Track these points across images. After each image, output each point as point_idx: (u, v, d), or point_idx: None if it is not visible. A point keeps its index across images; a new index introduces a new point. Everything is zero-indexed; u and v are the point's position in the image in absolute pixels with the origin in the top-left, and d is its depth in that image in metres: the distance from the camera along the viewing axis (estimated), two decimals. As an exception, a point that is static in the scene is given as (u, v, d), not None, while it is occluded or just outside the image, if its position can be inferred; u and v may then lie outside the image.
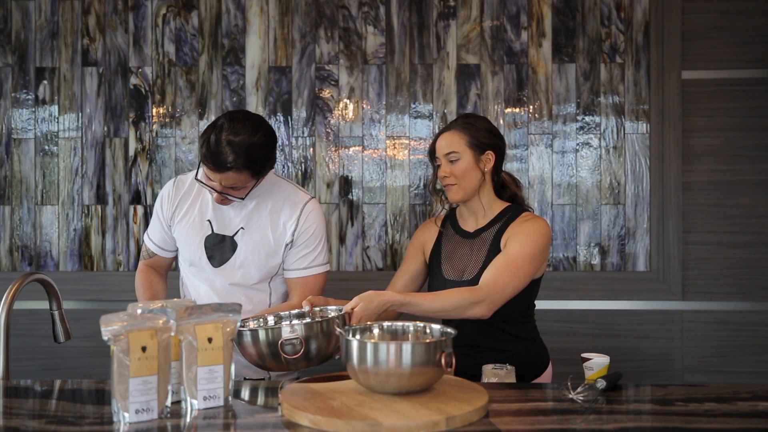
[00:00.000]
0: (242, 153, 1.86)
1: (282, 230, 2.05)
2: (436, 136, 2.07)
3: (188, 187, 2.12)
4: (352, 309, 1.69)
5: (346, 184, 2.92)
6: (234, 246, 2.05)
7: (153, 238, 2.18)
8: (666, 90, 2.84)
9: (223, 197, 1.96)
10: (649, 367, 2.86)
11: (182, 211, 2.10)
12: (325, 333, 1.62)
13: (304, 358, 1.61)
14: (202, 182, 1.96)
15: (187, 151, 2.93)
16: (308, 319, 1.77)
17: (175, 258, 2.21)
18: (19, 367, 2.84)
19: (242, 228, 2.05)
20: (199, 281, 2.11)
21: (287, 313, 1.85)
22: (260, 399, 1.55)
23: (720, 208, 2.86)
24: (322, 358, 1.66)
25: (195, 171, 2.14)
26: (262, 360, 1.64)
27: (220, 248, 2.05)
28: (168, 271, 2.25)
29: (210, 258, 2.06)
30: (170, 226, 2.12)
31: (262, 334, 1.61)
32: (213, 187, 1.94)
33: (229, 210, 2.06)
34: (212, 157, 1.86)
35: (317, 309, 1.81)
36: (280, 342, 1.58)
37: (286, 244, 2.05)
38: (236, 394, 1.56)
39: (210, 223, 2.07)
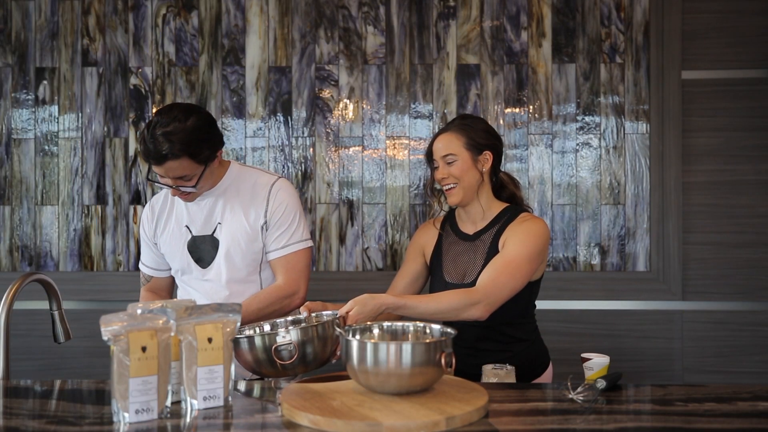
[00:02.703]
0: (176, 140, 1.90)
1: (255, 215, 2.08)
2: (433, 138, 2.07)
3: (162, 204, 2.18)
4: (347, 313, 1.68)
5: (346, 184, 2.92)
6: (216, 243, 2.09)
7: (146, 263, 2.24)
8: (666, 90, 2.84)
9: (179, 191, 2.00)
10: (649, 367, 2.86)
11: (161, 226, 2.16)
12: (320, 337, 1.61)
13: (299, 363, 1.60)
14: (154, 181, 2.02)
15: (187, 151, 2.93)
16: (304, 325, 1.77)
17: (170, 279, 2.26)
18: (19, 367, 2.84)
19: (219, 223, 2.09)
20: (193, 289, 2.14)
21: (282, 320, 1.85)
22: (260, 399, 1.55)
23: (720, 208, 2.86)
24: (318, 363, 1.65)
25: (166, 189, 2.17)
26: (259, 366, 1.63)
27: (204, 249, 2.09)
28: (170, 293, 2.28)
29: (198, 261, 2.10)
30: (156, 243, 2.18)
31: (257, 341, 1.60)
32: (165, 184, 1.99)
33: (202, 211, 2.10)
34: (148, 152, 1.92)
35: (314, 315, 1.81)
36: (274, 347, 1.58)
37: (262, 226, 2.08)
38: (236, 394, 1.56)
39: (188, 228, 2.12)
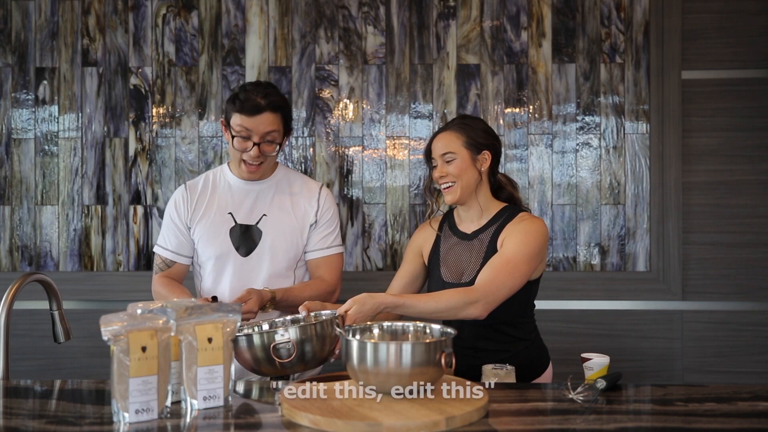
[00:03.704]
0: (273, 95, 2.09)
1: (304, 212, 2.18)
2: (432, 137, 2.08)
3: (202, 189, 2.22)
4: (346, 312, 1.69)
5: (346, 184, 2.92)
6: (259, 233, 2.14)
7: (168, 246, 2.23)
8: (666, 90, 2.84)
9: (260, 153, 2.07)
10: (649, 367, 2.86)
11: (201, 211, 2.19)
12: (319, 336, 1.62)
13: (298, 361, 1.60)
14: (238, 136, 2.07)
15: (187, 151, 2.93)
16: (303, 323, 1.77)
17: (188, 267, 2.26)
18: (19, 367, 2.84)
19: (265, 215, 2.16)
20: (224, 277, 2.14)
21: (281, 319, 1.86)
22: (260, 399, 1.55)
23: (720, 208, 2.86)
24: (317, 362, 1.65)
25: (203, 175, 2.26)
26: (258, 365, 1.64)
27: (245, 238, 2.14)
28: (182, 282, 2.27)
29: (237, 248, 2.14)
30: (189, 227, 2.19)
31: (256, 339, 1.61)
32: (249, 139, 2.06)
33: (249, 200, 2.17)
34: (246, 103, 2.05)
35: (312, 314, 1.82)
36: (272, 345, 1.58)
37: (311, 225, 2.18)
38: (236, 394, 1.56)
39: (232, 215, 2.16)
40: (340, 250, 2.24)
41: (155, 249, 2.26)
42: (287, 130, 2.15)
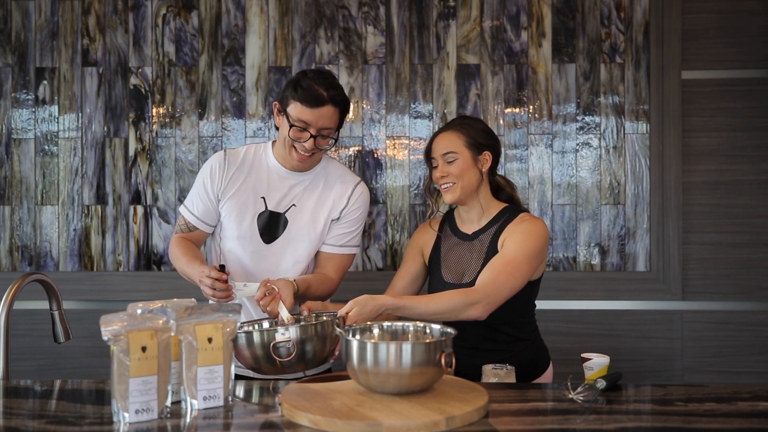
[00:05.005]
0: (335, 87, 2.02)
1: (332, 207, 2.13)
2: (433, 137, 2.07)
3: (241, 163, 2.14)
4: (347, 313, 1.69)
5: (346, 184, 2.91)
6: (285, 223, 2.11)
7: (194, 211, 2.15)
8: (666, 90, 2.84)
9: (315, 146, 2.02)
10: (649, 367, 2.86)
11: (235, 186, 2.12)
12: (319, 336, 1.62)
13: (298, 360, 1.61)
14: (295, 126, 2.01)
15: (187, 151, 2.93)
16: (303, 323, 1.78)
17: (209, 234, 2.21)
18: (19, 367, 2.84)
19: (294, 205, 2.12)
20: (243, 258, 2.12)
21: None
22: (260, 399, 1.55)
23: (720, 208, 2.86)
24: (317, 362, 1.65)
25: (246, 147, 2.19)
26: (257, 363, 1.64)
27: (271, 225, 2.11)
28: (201, 247, 2.22)
29: (261, 235, 2.11)
30: (219, 199, 2.13)
31: (256, 337, 1.61)
32: (306, 131, 2.00)
33: (283, 188, 2.12)
34: (309, 92, 1.98)
35: (313, 315, 1.82)
36: (272, 344, 1.58)
37: (333, 220, 2.14)
38: (236, 394, 1.56)
39: (264, 200, 2.12)
40: (353, 251, 2.18)
41: (180, 209, 2.19)
42: (342, 124, 2.10)
